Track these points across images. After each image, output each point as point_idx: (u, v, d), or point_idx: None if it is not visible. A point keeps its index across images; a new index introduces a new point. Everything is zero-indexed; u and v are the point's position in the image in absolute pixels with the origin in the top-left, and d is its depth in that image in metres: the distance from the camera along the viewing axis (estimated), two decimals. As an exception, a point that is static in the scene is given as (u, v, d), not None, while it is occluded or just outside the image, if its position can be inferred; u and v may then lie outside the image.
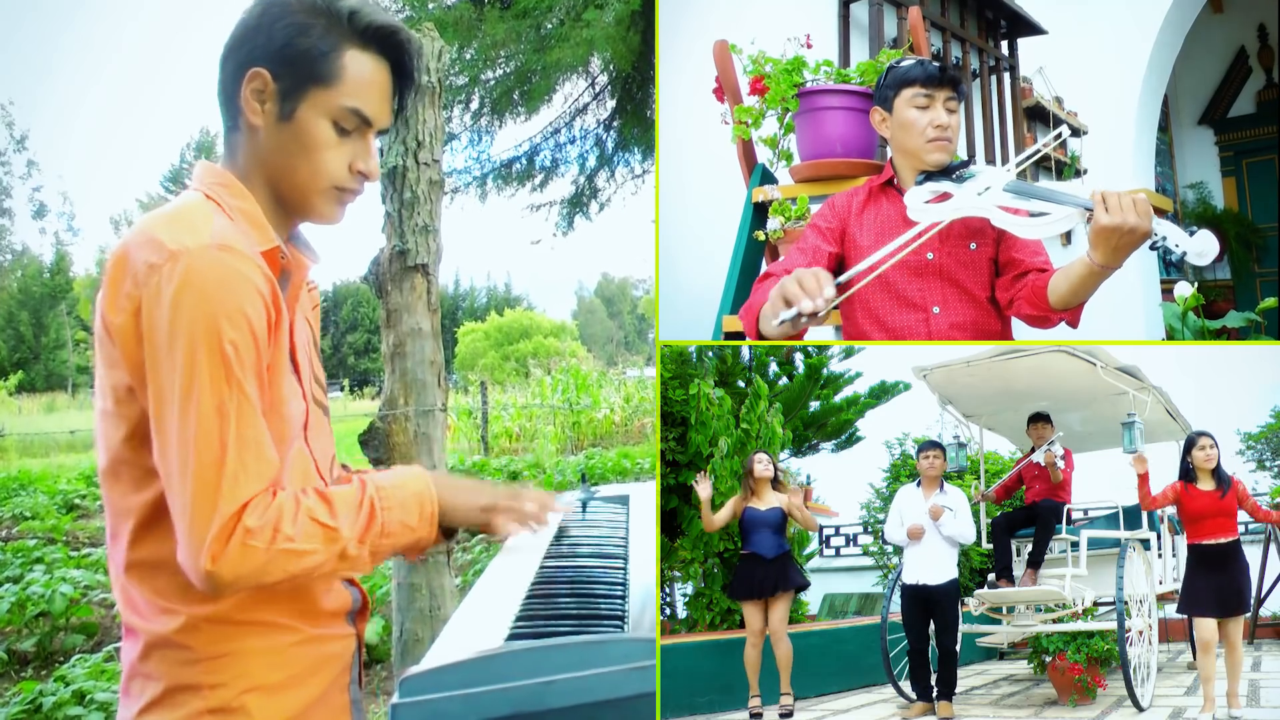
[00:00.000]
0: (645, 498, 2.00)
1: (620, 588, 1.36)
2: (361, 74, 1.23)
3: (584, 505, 1.92)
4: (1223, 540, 2.56)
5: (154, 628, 1.17)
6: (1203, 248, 1.65)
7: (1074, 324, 1.89)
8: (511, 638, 1.17)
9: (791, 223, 2.54)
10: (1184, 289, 2.67)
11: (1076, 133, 4.30)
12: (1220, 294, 5.49)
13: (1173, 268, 5.12)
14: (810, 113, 2.58)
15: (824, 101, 2.56)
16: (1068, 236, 3.84)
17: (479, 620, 1.25)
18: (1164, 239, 1.66)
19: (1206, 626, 2.53)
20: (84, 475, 9.83)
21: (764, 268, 2.63)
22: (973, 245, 2.00)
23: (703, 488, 2.84)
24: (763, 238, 2.61)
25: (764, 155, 2.74)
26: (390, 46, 1.25)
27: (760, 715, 2.75)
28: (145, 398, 1.11)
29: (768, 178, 2.69)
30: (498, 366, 32.05)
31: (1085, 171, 4.17)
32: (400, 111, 1.32)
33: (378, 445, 2.90)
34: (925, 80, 1.98)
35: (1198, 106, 5.82)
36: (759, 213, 2.65)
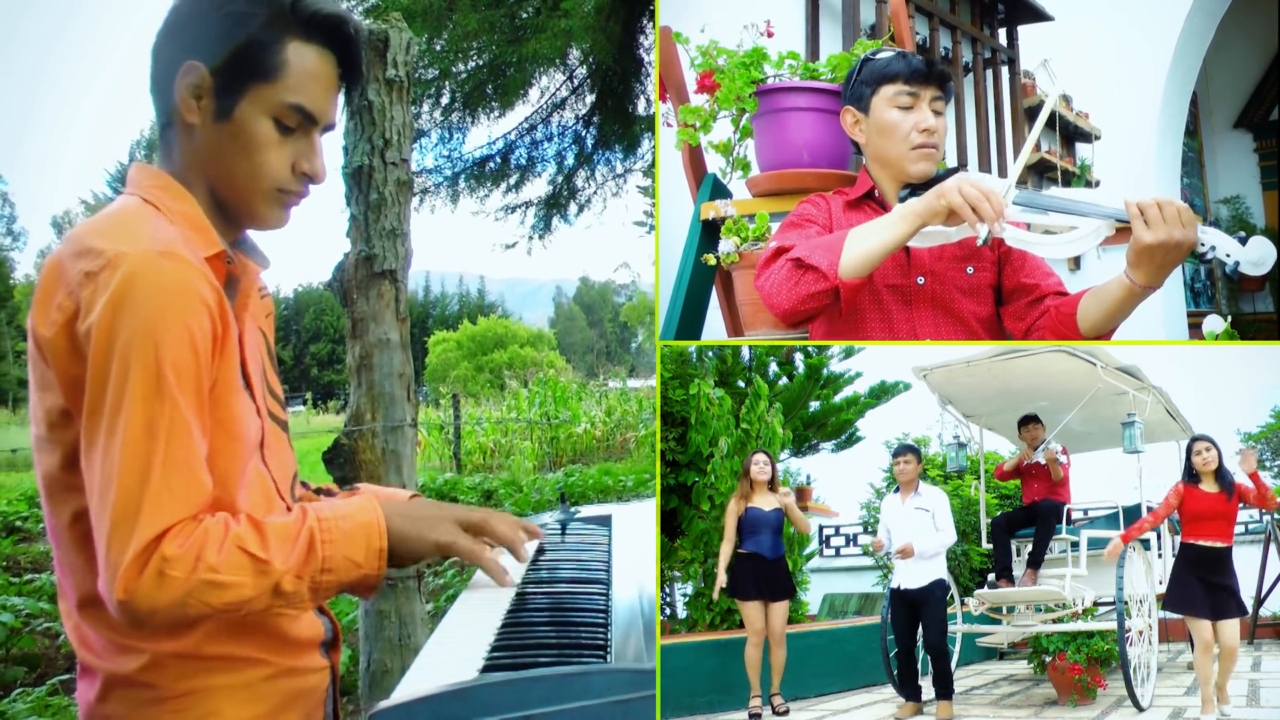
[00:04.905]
0: (630, 518, 2.00)
1: (602, 615, 1.35)
2: (305, 68, 1.21)
3: (563, 527, 1.91)
4: (1219, 544, 2.66)
5: (113, 667, 1.15)
6: (1258, 256, 1.54)
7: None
8: (487, 669, 1.17)
9: (748, 244, 2.28)
10: (1214, 324, 2.50)
11: (1087, 137, 4.18)
12: (1259, 329, 5.13)
13: (1202, 298, 5.05)
14: (771, 114, 2.33)
15: (788, 101, 2.30)
16: (1076, 261, 3.71)
17: (452, 650, 1.24)
18: (1213, 249, 1.55)
19: (1204, 628, 2.62)
20: (26, 495, 9.69)
21: (713, 294, 2.46)
22: (969, 269, 1.87)
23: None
24: (713, 262, 2.36)
25: (715, 164, 2.49)
26: (336, 38, 1.23)
27: (759, 716, 2.83)
28: (80, 419, 1.08)
29: (720, 190, 2.46)
30: (471, 378, 31.97)
31: (1098, 183, 4.06)
32: (349, 105, 1.31)
33: (343, 463, 2.88)
34: (909, 76, 1.83)
35: (1233, 107, 5.33)
36: (709, 232, 2.41)
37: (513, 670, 1.12)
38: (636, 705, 1.05)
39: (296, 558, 1.12)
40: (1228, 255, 1.55)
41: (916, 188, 1.81)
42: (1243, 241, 1.56)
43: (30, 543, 8.05)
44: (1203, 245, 1.55)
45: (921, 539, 2.83)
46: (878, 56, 1.90)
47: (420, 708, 1.02)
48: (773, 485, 2.97)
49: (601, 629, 1.29)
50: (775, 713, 2.88)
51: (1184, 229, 1.51)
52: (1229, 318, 2.60)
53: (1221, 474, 2.66)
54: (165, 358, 1.06)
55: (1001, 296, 1.91)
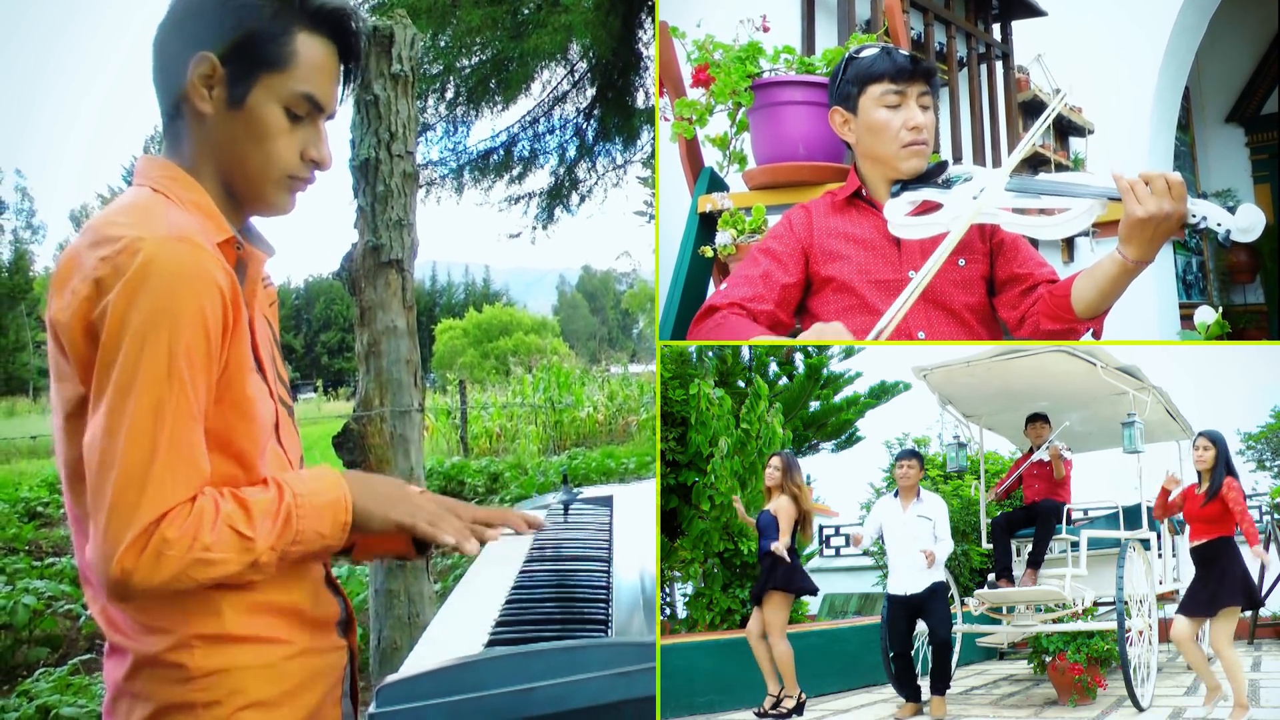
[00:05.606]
0: (631, 499, 2.01)
1: (604, 591, 1.36)
2: (313, 58, 1.22)
3: (566, 507, 1.92)
4: (1197, 543, 2.61)
5: (142, 648, 1.15)
6: (1248, 223, 1.54)
7: (1099, 334, 1.78)
8: (491, 643, 1.17)
9: (745, 237, 2.27)
10: (1206, 315, 2.44)
11: (1080, 131, 4.12)
12: (1250, 320, 4.97)
13: (1194, 289, 4.96)
14: (767, 108, 2.30)
15: (784, 95, 2.27)
16: (1070, 253, 3.71)
17: (458, 626, 1.25)
18: (1203, 219, 1.55)
19: (1175, 624, 2.58)
20: (46, 482, 9.75)
21: (711, 289, 2.41)
22: (961, 262, 1.83)
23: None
24: (710, 254, 2.33)
25: (712, 157, 2.47)
26: (340, 29, 1.24)
27: (763, 714, 2.78)
28: None
29: (716, 184, 2.43)
30: (477, 365, 31.96)
31: (1091, 178, 4.03)
32: (354, 97, 1.31)
33: (352, 448, 2.90)
34: (895, 75, 1.79)
35: (1225, 101, 5.17)
36: (706, 225, 2.38)
37: (516, 644, 1.13)
38: (637, 677, 1.06)
39: (275, 533, 1.13)
40: (1219, 224, 1.55)
41: (907, 183, 1.81)
42: (1232, 210, 1.56)
43: (51, 527, 8.10)
44: (1193, 216, 1.55)
45: (929, 549, 2.77)
46: (862, 55, 1.86)
47: (426, 681, 1.04)
48: (786, 486, 2.88)
49: (603, 604, 1.30)
50: (782, 712, 2.80)
51: (1174, 201, 1.51)
52: (1220, 309, 2.53)
53: (1213, 473, 2.58)
54: (178, 341, 1.06)
55: (994, 287, 1.88)
